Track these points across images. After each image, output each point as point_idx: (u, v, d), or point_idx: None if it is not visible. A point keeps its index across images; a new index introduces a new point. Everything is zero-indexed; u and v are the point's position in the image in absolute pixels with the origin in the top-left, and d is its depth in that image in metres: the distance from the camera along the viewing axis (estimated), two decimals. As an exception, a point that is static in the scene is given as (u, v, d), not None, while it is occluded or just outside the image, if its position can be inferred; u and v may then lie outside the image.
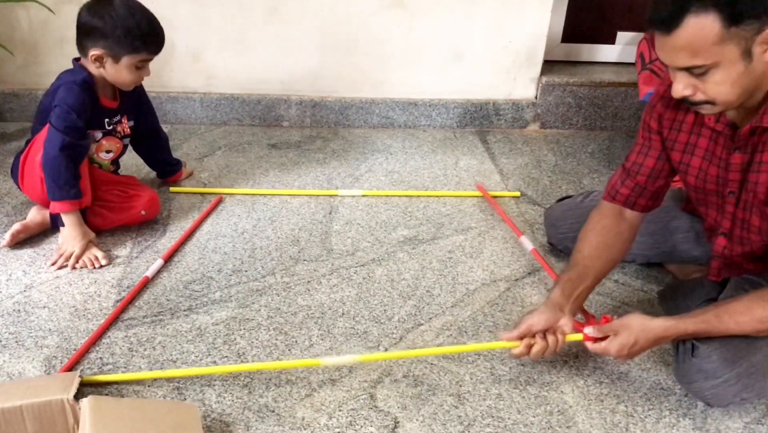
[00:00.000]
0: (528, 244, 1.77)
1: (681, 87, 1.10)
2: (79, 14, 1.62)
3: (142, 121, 1.90)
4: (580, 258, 1.35)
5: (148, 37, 1.63)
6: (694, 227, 1.53)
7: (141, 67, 1.68)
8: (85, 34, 1.62)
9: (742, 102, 1.11)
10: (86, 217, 1.70)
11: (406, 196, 2.05)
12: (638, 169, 1.36)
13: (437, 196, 2.06)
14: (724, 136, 1.22)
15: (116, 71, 1.66)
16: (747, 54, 1.03)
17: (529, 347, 1.24)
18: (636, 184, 1.36)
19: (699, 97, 1.10)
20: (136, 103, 1.85)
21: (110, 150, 1.80)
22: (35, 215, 1.75)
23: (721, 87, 1.07)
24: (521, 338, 1.26)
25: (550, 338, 1.25)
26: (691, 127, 1.27)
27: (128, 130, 1.82)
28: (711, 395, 1.23)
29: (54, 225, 1.72)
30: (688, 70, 1.08)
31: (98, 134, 1.74)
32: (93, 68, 1.66)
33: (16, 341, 1.38)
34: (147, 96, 1.91)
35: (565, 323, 1.26)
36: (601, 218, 1.39)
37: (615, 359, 1.29)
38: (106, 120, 1.75)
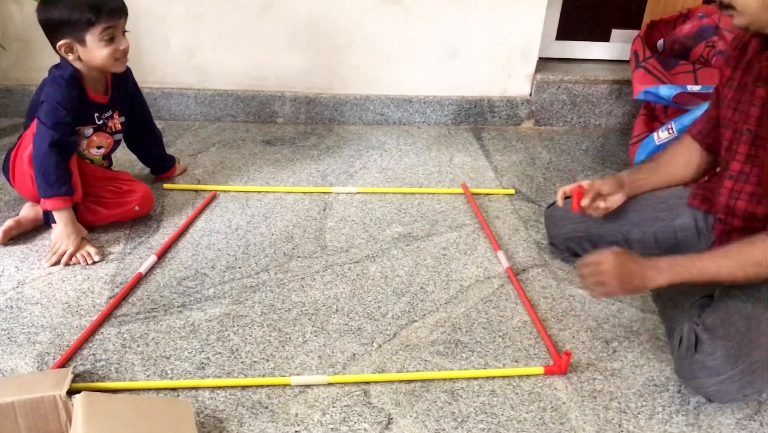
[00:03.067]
0: (504, 261, 1.71)
1: None
2: (37, 15, 1.59)
3: (135, 117, 1.89)
4: (657, 157, 1.63)
5: (96, 3, 1.55)
6: (698, 225, 1.54)
7: (111, 39, 1.59)
8: (49, 32, 1.59)
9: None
10: (78, 212, 1.69)
11: (401, 193, 2.05)
12: (709, 112, 1.52)
13: (422, 194, 2.06)
14: (758, 64, 1.29)
15: (91, 55, 1.61)
16: None
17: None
18: (707, 123, 1.52)
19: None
20: (129, 98, 1.83)
21: (101, 146, 1.79)
22: (28, 211, 1.74)
23: None
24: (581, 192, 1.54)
25: (601, 203, 1.54)
26: (742, 76, 1.36)
27: (119, 126, 1.80)
28: (714, 391, 1.23)
29: (47, 222, 1.71)
30: None
31: (89, 130, 1.73)
32: (75, 62, 1.62)
33: (9, 337, 1.38)
34: (140, 91, 1.90)
35: (619, 198, 1.55)
36: (682, 141, 1.60)
37: (594, 272, 1.33)
38: (96, 115, 1.72)
